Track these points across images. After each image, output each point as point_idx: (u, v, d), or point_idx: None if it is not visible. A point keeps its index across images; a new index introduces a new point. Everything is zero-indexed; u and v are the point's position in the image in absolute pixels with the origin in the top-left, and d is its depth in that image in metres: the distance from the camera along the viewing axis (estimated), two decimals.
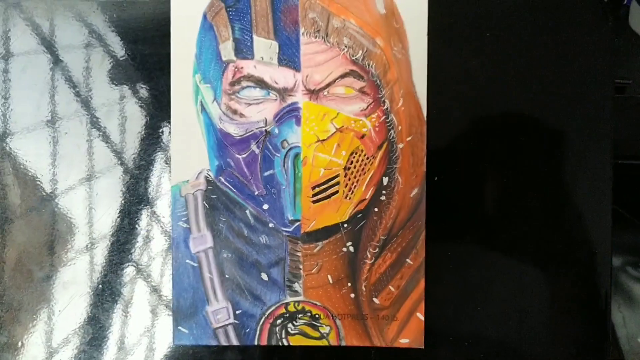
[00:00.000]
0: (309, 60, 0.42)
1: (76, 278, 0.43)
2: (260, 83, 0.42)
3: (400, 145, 0.42)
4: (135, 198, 0.43)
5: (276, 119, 0.42)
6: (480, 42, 0.42)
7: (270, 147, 0.42)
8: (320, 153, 0.42)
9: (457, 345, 0.43)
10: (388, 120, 0.42)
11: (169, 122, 0.42)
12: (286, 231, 0.42)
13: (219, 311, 0.43)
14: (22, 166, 0.43)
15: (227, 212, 0.43)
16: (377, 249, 0.42)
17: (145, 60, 0.42)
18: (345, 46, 0.42)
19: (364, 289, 0.43)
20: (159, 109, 0.42)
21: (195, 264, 0.43)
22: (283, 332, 0.43)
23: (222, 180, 0.42)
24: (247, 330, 0.43)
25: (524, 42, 0.42)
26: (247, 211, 0.43)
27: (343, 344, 0.43)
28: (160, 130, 0.43)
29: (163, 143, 0.43)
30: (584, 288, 0.43)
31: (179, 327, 0.43)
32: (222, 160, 0.42)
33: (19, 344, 0.43)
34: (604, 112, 0.43)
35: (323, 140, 0.42)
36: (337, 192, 0.42)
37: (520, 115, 0.43)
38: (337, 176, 0.42)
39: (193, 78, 0.42)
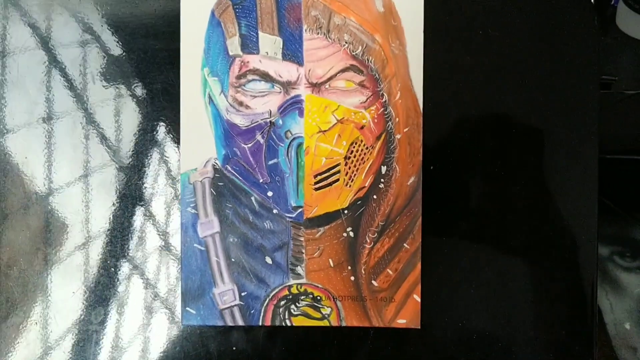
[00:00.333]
0: (311, 55, 0.44)
1: (90, 261, 0.45)
2: (265, 77, 0.44)
3: (398, 136, 0.45)
4: (146, 186, 0.45)
5: (280, 110, 0.44)
6: (474, 39, 0.45)
7: (275, 137, 0.44)
8: (322, 143, 0.44)
9: (451, 326, 0.45)
10: (386, 112, 0.44)
11: (179, 113, 0.44)
12: (289, 217, 0.45)
13: (225, 293, 0.45)
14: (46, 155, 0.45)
15: (234, 199, 0.45)
16: (376, 234, 0.45)
17: (156, 54, 0.45)
18: (346, 42, 0.44)
19: (363, 272, 0.45)
20: (168, 101, 0.45)
21: (203, 248, 0.45)
22: (286, 313, 0.45)
23: (229, 168, 0.45)
24: (252, 312, 0.45)
25: (515, 40, 0.45)
26: (253, 198, 0.45)
27: (343, 324, 0.45)
28: (170, 121, 0.45)
29: (172, 133, 0.45)
30: (572, 276, 0.45)
31: (187, 308, 0.45)
32: (228, 150, 0.45)
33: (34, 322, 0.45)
34: (590, 107, 0.45)
35: (325, 131, 0.44)
36: (338, 180, 0.45)
37: (510, 110, 0.45)
38: (338, 165, 0.45)
39: (201, 71, 0.44)
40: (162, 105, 0.45)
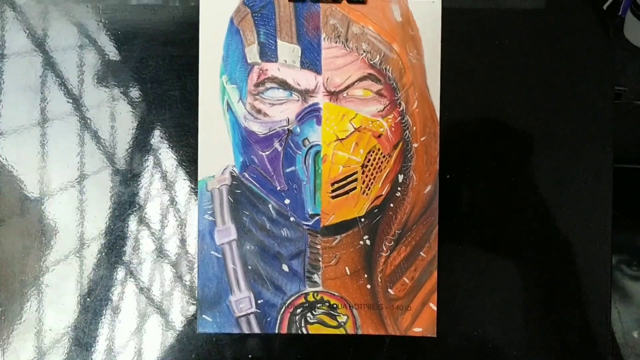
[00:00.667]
0: (329, 64, 0.44)
1: (102, 264, 0.45)
2: (284, 84, 0.44)
3: (415, 145, 0.45)
4: (164, 192, 0.45)
5: (298, 118, 0.44)
6: (490, 49, 0.45)
7: (292, 145, 0.45)
8: (339, 151, 0.45)
9: (466, 334, 0.45)
10: (403, 121, 0.45)
11: (197, 121, 0.44)
12: (306, 225, 0.45)
13: (242, 300, 0.45)
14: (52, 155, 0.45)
15: (251, 206, 0.45)
16: (393, 243, 0.45)
17: (175, 61, 0.45)
18: (364, 51, 0.44)
19: (379, 280, 0.45)
20: (186, 108, 0.45)
21: (220, 255, 0.45)
22: (302, 321, 0.45)
23: (246, 175, 0.45)
24: (269, 319, 0.45)
25: (531, 50, 0.45)
26: (270, 205, 0.45)
27: (359, 332, 0.45)
28: (188, 128, 0.45)
29: (191, 140, 0.45)
30: (585, 285, 0.46)
31: (203, 316, 0.45)
32: (246, 157, 0.45)
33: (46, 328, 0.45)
34: (604, 117, 0.46)
35: (342, 139, 0.45)
36: (355, 188, 0.45)
37: (526, 120, 0.45)
38: (355, 173, 0.45)
39: (220, 79, 0.44)
40: (180, 112, 0.45)
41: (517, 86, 0.45)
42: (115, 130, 0.45)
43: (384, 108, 0.45)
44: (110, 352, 0.45)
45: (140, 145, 0.45)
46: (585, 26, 0.46)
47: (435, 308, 0.45)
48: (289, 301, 0.45)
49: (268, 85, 0.44)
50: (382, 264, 0.45)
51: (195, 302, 0.45)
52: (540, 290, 0.46)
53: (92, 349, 0.45)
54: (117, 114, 0.45)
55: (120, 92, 0.45)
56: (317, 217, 0.45)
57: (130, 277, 0.45)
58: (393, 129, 0.45)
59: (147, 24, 0.45)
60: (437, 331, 0.45)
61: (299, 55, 0.44)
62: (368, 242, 0.45)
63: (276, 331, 0.45)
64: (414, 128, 0.45)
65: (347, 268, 0.45)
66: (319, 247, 0.45)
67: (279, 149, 0.45)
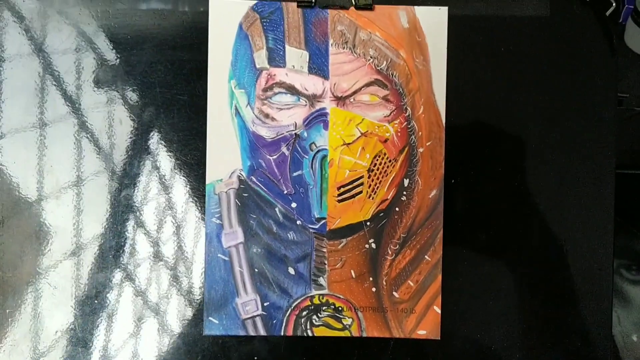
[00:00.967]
0: (337, 69, 0.45)
1: (110, 266, 0.45)
2: (291, 89, 0.45)
3: (421, 150, 0.45)
4: (172, 196, 0.46)
5: (305, 123, 0.45)
6: (495, 56, 0.46)
7: (299, 149, 0.45)
8: (346, 155, 0.45)
9: (470, 337, 0.46)
10: (409, 126, 0.45)
11: (205, 125, 0.45)
12: (313, 228, 0.45)
13: (248, 303, 0.45)
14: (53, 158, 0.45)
15: (258, 210, 0.45)
16: (398, 246, 0.45)
17: (184, 66, 0.45)
18: (371, 57, 0.45)
19: (384, 283, 0.46)
20: (195, 112, 0.45)
21: (227, 258, 0.45)
22: (308, 323, 0.45)
23: (254, 179, 0.45)
24: (274, 322, 0.45)
25: (536, 57, 0.46)
26: (277, 209, 0.45)
27: (364, 335, 0.46)
28: (196, 132, 0.45)
29: (199, 144, 0.45)
30: (588, 288, 0.46)
31: (210, 318, 0.45)
32: (254, 161, 0.45)
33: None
34: (608, 124, 0.46)
35: (349, 143, 0.45)
36: (361, 192, 0.45)
37: (530, 125, 0.46)
38: (361, 177, 0.45)
39: (228, 84, 0.45)
40: (188, 116, 0.45)
41: (521, 92, 0.46)
42: (124, 134, 0.45)
43: (390, 113, 0.45)
44: (115, 353, 0.45)
45: (149, 149, 0.45)
46: (589, 33, 0.46)
47: (439, 311, 0.45)
48: (294, 304, 0.45)
49: (276, 90, 0.45)
50: (387, 267, 0.45)
51: (201, 305, 0.45)
52: (542, 294, 0.46)
53: (98, 350, 0.45)
54: (125, 118, 0.45)
55: (129, 96, 0.45)
56: (323, 221, 0.45)
57: (136, 280, 0.45)
58: (399, 133, 0.45)
59: (156, 29, 0.45)
60: (441, 334, 0.45)
61: (307, 60, 0.45)
62: (373, 245, 0.45)
63: (282, 333, 0.45)
64: (420, 133, 0.45)
65: (352, 271, 0.45)
66: (324, 250, 0.45)
67: (286, 153, 0.45)
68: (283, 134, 0.45)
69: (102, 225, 0.45)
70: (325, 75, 0.45)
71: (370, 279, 0.46)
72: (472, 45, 0.46)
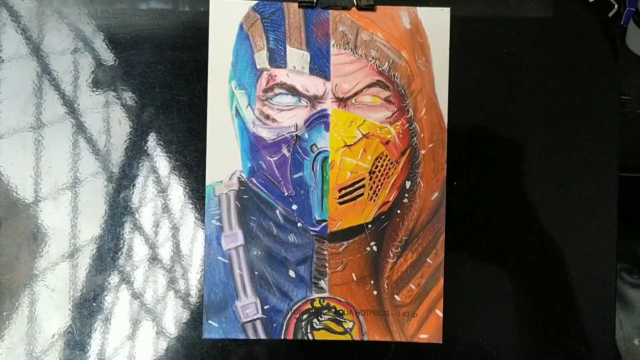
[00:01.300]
0: (338, 70, 0.44)
1: (107, 269, 0.45)
2: (292, 90, 0.44)
3: (423, 152, 0.45)
4: (171, 197, 0.45)
5: (306, 124, 0.45)
6: (498, 57, 0.45)
7: (300, 150, 0.45)
8: (347, 157, 0.45)
9: (472, 341, 0.45)
10: (411, 127, 0.45)
11: (205, 126, 0.44)
12: (313, 230, 0.45)
13: (248, 306, 0.45)
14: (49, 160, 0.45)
15: (258, 212, 0.45)
16: (399, 249, 0.45)
17: (184, 66, 0.45)
18: (373, 58, 0.45)
19: (386, 286, 0.45)
20: (195, 113, 0.45)
21: (227, 261, 0.45)
22: (308, 327, 0.45)
23: (254, 181, 0.45)
24: (275, 325, 0.45)
25: (537, 58, 0.46)
26: (277, 211, 0.45)
27: (365, 338, 0.45)
28: (196, 133, 0.45)
29: (199, 145, 0.45)
30: (590, 292, 0.46)
31: (209, 321, 0.45)
32: (254, 163, 0.45)
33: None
34: (610, 126, 0.46)
35: (350, 145, 0.45)
36: (362, 194, 0.45)
37: (533, 127, 0.46)
38: (362, 179, 0.45)
39: (229, 84, 0.45)
40: (188, 117, 0.45)
41: (523, 93, 0.46)
42: (123, 135, 0.45)
43: (392, 115, 0.45)
44: (113, 357, 0.45)
45: (148, 150, 0.45)
46: (592, 35, 0.46)
47: (441, 315, 0.45)
48: (295, 307, 0.45)
49: (277, 91, 0.44)
50: (388, 270, 0.45)
51: (201, 308, 0.45)
52: (545, 298, 0.46)
53: (95, 353, 0.45)
54: (125, 118, 0.45)
55: (129, 97, 0.45)
56: (324, 223, 0.45)
57: (134, 282, 0.45)
58: (401, 135, 0.45)
59: (156, 29, 0.45)
60: (443, 338, 0.45)
61: (308, 61, 0.44)
62: (375, 248, 0.45)
63: (282, 337, 0.45)
64: (422, 135, 0.45)
65: (353, 274, 0.45)
66: (325, 253, 0.45)
67: (287, 154, 0.45)
68: (284, 135, 0.45)
69: (101, 227, 0.45)
70: (326, 76, 0.44)
71: (372, 282, 0.45)
72: (474, 47, 0.45)
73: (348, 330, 0.45)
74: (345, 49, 0.45)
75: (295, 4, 0.44)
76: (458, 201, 0.45)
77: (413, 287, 0.45)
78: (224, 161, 0.45)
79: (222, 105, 0.45)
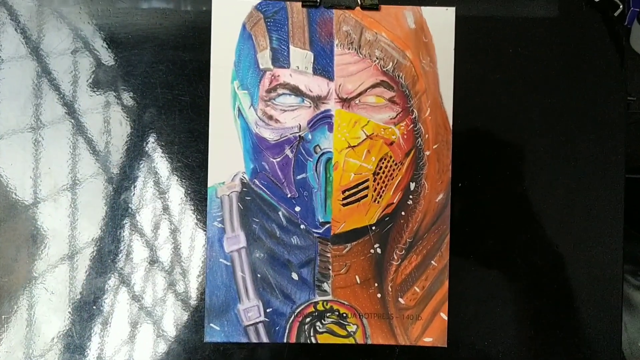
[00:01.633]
0: (342, 70, 0.44)
1: (107, 272, 0.44)
2: (296, 91, 0.44)
3: (427, 153, 0.44)
4: (173, 199, 0.44)
5: (310, 125, 0.44)
6: (503, 57, 0.45)
7: (304, 151, 0.44)
8: (351, 158, 0.44)
9: (477, 344, 0.45)
10: (416, 128, 0.44)
11: (207, 126, 0.44)
12: (317, 232, 0.44)
13: (250, 309, 0.44)
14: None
15: (261, 213, 0.44)
16: (404, 251, 0.44)
17: (185, 66, 0.44)
18: (377, 58, 0.44)
19: (390, 289, 0.44)
20: (197, 114, 0.44)
21: (229, 263, 0.44)
22: (312, 330, 0.44)
23: (257, 182, 0.44)
24: (277, 328, 0.44)
25: (543, 58, 0.45)
26: (280, 213, 0.44)
27: (369, 342, 0.44)
28: (198, 134, 0.44)
29: (201, 146, 0.44)
30: (596, 294, 0.45)
31: (211, 324, 0.44)
32: (257, 164, 0.44)
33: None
34: (616, 128, 0.46)
35: (354, 146, 0.44)
36: (366, 196, 0.44)
37: (538, 128, 0.45)
38: (366, 181, 0.44)
39: (231, 84, 0.44)
40: (190, 118, 0.44)
41: (528, 94, 0.45)
42: (124, 135, 0.44)
43: (397, 115, 0.44)
44: None
45: (150, 151, 0.44)
46: (597, 35, 0.45)
47: (446, 318, 0.44)
48: (298, 310, 0.44)
49: (280, 91, 0.44)
50: (392, 272, 0.44)
51: (202, 311, 0.44)
52: (551, 302, 0.45)
53: (95, 357, 0.44)
54: (126, 119, 0.44)
55: (130, 97, 0.44)
56: (327, 225, 0.44)
57: (135, 285, 0.44)
58: (405, 136, 0.44)
59: (158, 28, 0.44)
60: (448, 341, 0.44)
61: (312, 61, 0.44)
62: (379, 250, 0.44)
63: (285, 340, 0.44)
64: (427, 136, 0.44)
65: (357, 277, 0.44)
66: (329, 255, 0.44)
67: (290, 155, 0.44)
68: (287, 136, 0.44)
69: (101, 228, 0.44)
70: (330, 77, 0.44)
71: (376, 284, 0.44)
72: (479, 47, 0.45)
73: (352, 333, 0.45)
74: (349, 48, 0.44)
75: (299, 3, 0.44)
76: (463, 203, 0.45)
77: (417, 289, 0.44)
78: (226, 162, 0.44)
79: (225, 105, 0.44)
